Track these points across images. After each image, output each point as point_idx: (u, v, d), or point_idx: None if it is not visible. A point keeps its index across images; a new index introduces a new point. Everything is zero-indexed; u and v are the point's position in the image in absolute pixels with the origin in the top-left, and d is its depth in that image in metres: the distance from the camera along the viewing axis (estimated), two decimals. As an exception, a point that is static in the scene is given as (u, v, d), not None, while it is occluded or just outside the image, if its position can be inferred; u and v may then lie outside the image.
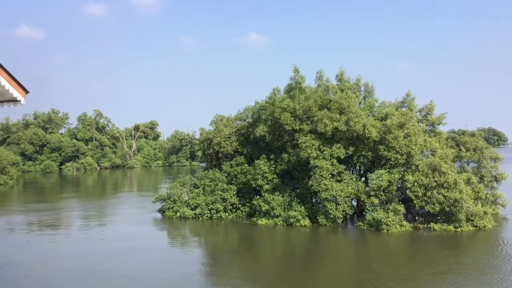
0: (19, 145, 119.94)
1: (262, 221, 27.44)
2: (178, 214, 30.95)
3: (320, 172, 26.33)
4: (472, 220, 24.52)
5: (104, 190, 61.35)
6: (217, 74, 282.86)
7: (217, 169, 33.62)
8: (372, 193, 25.91)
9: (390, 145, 26.60)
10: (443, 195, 24.40)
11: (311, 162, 26.72)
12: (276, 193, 28.03)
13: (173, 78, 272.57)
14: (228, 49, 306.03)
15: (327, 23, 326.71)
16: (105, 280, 16.79)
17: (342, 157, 27.25)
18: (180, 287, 15.96)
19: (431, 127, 32.66)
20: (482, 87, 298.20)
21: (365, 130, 26.96)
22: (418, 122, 31.52)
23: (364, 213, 28.16)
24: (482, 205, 25.57)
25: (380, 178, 25.75)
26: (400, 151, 26.39)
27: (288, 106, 29.26)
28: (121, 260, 19.91)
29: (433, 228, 24.64)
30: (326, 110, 28.13)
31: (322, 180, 26.15)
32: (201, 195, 31.42)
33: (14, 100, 9.46)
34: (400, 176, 26.25)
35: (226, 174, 32.03)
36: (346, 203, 26.32)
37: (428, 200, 24.75)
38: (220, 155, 35.26)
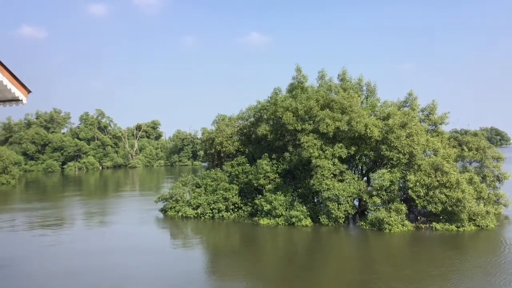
0: (21, 145, 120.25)
1: (264, 221, 27.42)
2: (180, 213, 30.96)
3: (322, 171, 26.29)
4: (474, 220, 24.46)
5: (106, 190, 61.42)
6: (219, 74, 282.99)
7: (219, 168, 33.60)
8: (374, 192, 25.86)
9: (392, 144, 26.55)
10: (445, 195, 24.34)
11: (313, 161, 26.69)
12: (278, 192, 28.00)
13: (175, 77, 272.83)
14: (230, 49, 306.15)
15: (329, 23, 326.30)
16: (106, 279, 16.80)
17: (344, 156, 27.20)
18: (181, 287, 15.96)
19: (434, 126, 32.57)
20: (485, 87, 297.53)
21: (367, 130, 26.90)
22: (420, 121, 31.45)
23: (366, 213, 28.11)
24: (484, 205, 25.50)
25: (382, 178, 25.70)
26: (402, 151, 26.34)
27: (290, 105, 29.23)
28: (122, 259, 19.92)
29: (435, 227, 24.58)
30: (328, 110, 28.09)
31: (323, 179, 26.11)
32: (203, 194, 31.41)
33: (16, 100, 9.45)
34: (402, 175, 26.20)
35: (228, 174, 32.02)
36: (348, 202, 26.27)
37: (430, 200, 24.68)
38: (222, 154, 35.25)
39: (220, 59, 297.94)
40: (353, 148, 27.66)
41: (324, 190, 25.93)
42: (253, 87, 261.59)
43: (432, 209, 24.57)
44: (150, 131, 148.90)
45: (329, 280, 16.43)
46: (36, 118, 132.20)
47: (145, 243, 23.51)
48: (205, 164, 42.70)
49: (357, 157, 29.13)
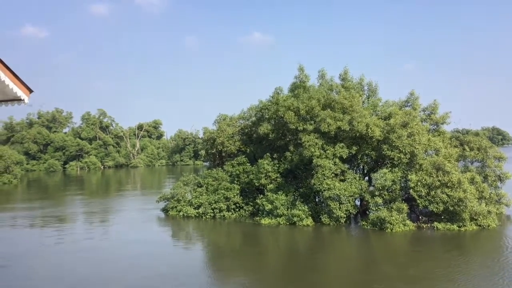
0: (23, 144, 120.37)
1: (265, 221, 27.43)
2: (181, 213, 31.00)
3: (323, 171, 26.29)
4: (476, 220, 24.44)
5: (108, 189, 61.50)
6: (220, 73, 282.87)
7: (220, 168, 33.64)
8: (376, 192, 25.86)
9: (393, 144, 26.54)
10: (447, 195, 24.32)
11: (314, 161, 26.69)
12: (280, 192, 28.01)
13: (176, 77, 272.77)
14: (232, 48, 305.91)
15: (330, 22, 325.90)
16: (107, 279, 16.83)
17: (345, 156, 27.20)
18: (183, 286, 15.98)
19: (435, 126, 32.54)
20: (486, 86, 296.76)
21: (369, 130, 26.89)
22: (421, 121, 31.43)
23: (367, 213, 28.11)
24: (486, 205, 25.47)
25: (384, 178, 25.69)
26: (403, 151, 26.33)
27: (292, 104, 29.24)
28: (123, 259, 19.95)
29: (437, 227, 24.57)
30: (329, 109, 28.09)
31: (324, 179, 26.12)
32: (204, 194, 31.44)
33: (18, 99, 9.47)
34: (404, 175, 26.19)
35: (229, 174, 32.05)
36: (349, 202, 26.27)
37: (432, 200, 24.67)
38: (223, 154, 35.29)
39: (222, 58, 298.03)
40: (355, 148, 27.66)
41: (325, 190, 25.93)
42: (255, 87, 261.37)
43: (434, 209, 24.56)
44: (152, 131, 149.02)
45: (333, 281, 16.39)
46: (38, 118, 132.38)
47: (146, 243, 23.53)
48: (207, 163, 42.75)
49: (358, 157, 29.12)
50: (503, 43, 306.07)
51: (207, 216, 30.13)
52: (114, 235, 26.02)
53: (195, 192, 32.10)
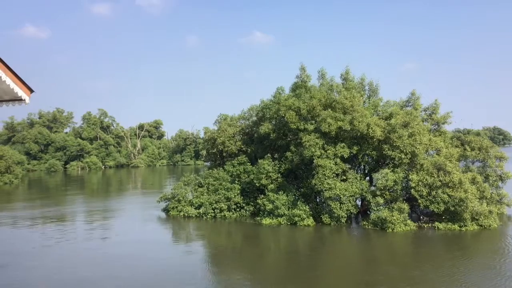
0: (24, 144, 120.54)
1: (266, 221, 27.40)
2: (182, 213, 31.01)
3: (323, 171, 26.28)
4: (477, 220, 24.41)
5: (109, 189, 61.52)
6: (221, 73, 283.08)
7: (221, 168, 33.64)
8: (377, 192, 25.84)
9: (394, 144, 26.51)
10: (448, 195, 24.29)
11: (314, 161, 26.68)
12: (280, 192, 27.99)
13: (177, 77, 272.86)
14: (233, 48, 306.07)
15: (331, 22, 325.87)
16: (108, 278, 16.83)
17: (346, 156, 27.18)
18: (183, 286, 15.97)
19: (436, 126, 32.51)
20: (487, 86, 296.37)
21: (369, 130, 26.86)
22: (423, 121, 31.39)
23: (368, 213, 28.09)
24: (487, 204, 25.43)
25: (386, 178, 25.67)
26: (404, 151, 26.30)
27: (293, 104, 29.23)
28: (124, 259, 19.94)
29: (438, 227, 24.55)
30: (330, 109, 28.07)
31: (325, 179, 26.10)
32: (205, 194, 31.44)
33: (19, 99, 9.46)
34: (405, 175, 26.17)
35: (229, 173, 32.04)
36: (350, 202, 26.24)
37: (433, 200, 24.65)
38: (224, 154, 35.30)
39: (223, 58, 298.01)
40: (355, 148, 27.63)
41: (326, 190, 25.91)
42: (256, 87, 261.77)
43: (435, 209, 24.53)
44: (153, 131, 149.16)
45: (334, 281, 16.33)
46: (39, 118, 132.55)
47: (147, 243, 23.53)
48: (208, 163, 42.77)
49: (359, 157, 29.10)
50: (504, 43, 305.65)
51: (208, 216, 30.12)
52: (115, 235, 26.00)
53: (196, 192, 32.10)
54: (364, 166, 31.38)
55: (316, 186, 26.43)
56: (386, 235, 23.54)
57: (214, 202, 30.45)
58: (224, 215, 30.08)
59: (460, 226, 24.20)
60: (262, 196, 29.61)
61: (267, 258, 20.37)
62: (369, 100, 33.08)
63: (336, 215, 25.98)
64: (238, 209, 30.66)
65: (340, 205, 26.10)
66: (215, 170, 33.42)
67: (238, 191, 30.69)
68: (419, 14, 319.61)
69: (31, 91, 9.47)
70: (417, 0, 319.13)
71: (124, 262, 19.39)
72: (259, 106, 34.15)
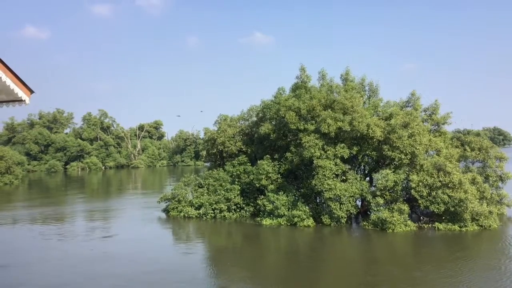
0: (24, 145, 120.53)
1: (266, 222, 27.39)
2: (182, 213, 31.02)
3: (323, 171, 26.27)
4: (477, 220, 24.41)
5: (109, 190, 61.54)
6: (222, 74, 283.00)
7: (221, 168, 33.65)
8: (378, 193, 25.84)
9: (394, 145, 26.51)
10: (448, 195, 24.29)
11: (314, 161, 26.68)
12: (280, 192, 27.98)
13: (177, 77, 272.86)
14: (233, 49, 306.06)
15: (331, 23, 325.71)
16: (109, 278, 16.84)
17: (346, 156, 27.18)
18: (184, 286, 15.97)
19: (436, 126, 32.51)
20: (487, 87, 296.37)
21: (369, 130, 26.87)
22: (423, 121, 31.39)
23: (368, 213, 28.09)
24: (487, 205, 25.43)
25: (386, 178, 25.67)
26: (404, 151, 26.30)
27: (293, 104, 29.24)
28: (124, 259, 19.94)
29: (438, 227, 24.55)
30: (330, 110, 28.08)
31: (325, 180, 26.10)
32: (205, 194, 31.44)
33: (19, 100, 9.47)
34: (405, 176, 26.17)
35: (230, 174, 32.06)
36: (350, 202, 26.24)
37: (433, 200, 24.64)
38: (224, 154, 35.32)
39: (223, 59, 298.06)
40: (355, 148, 27.64)
41: (326, 190, 25.91)
42: (256, 87, 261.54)
43: (435, 209, 24.53)
44: (153, 131, 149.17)
45: (336, 282, 16.30)
46: (39, 118, 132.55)
47: (146, 243, 23.54)
48: (208, 164, 42.78)
49: (359, 157, 29.11)
50: (504, 43, 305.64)
51: (208, 217, 30.12)
52: (115, 235, 26.01)
53: (196, 193, 32.11)
54: (364, 166, 31.39)
55: (316, 187, 26.43)
56: (386, 236, 23.54)
57: (214, 202, 30.45)
58: (224, 216, 30.08)
59: (460, 227, 24.21)
60: (262, 196, 29.60)
61: (267, 259, 20.37)
62: (369, 100, 33.08)
63: (336, 215, 25.97)
64: (238, 210, 30.66)
65: (340, 205, 26.09)
66: (215, 170, 33.42)
67: (238, 192, 30.70)
68: (419, 14, 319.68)
69: (31, 91, 9.48)
70: (417, 1, 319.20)
71: (124, 262, 19.39)
72: (260, 106, 34.18)
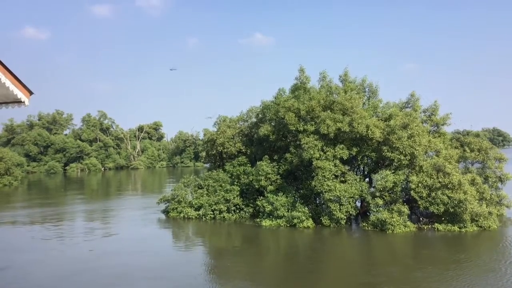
0: (23, 146, 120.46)
1: (266, 222, 27.38)
2: (182, 214, 31.02)
3: (323, 173, 26.28)
4: (476, 221, 24.42)
5: (108, 191, 61.51)
6: (222, 75, 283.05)
7: (221, 169, 33.65)
8: (377, 193, 25.85)
9: (394, 145, 26.53)
10: (448, 196, 24.30)
11: (314, 163, 26.68)
12: (280, 193, 27.98)
13: (177, 78, 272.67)
14: (233, 50, 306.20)
15: (331, 23, 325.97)
16: (108, 279, 16.82)
17: (345, 157, 27.18)
18: (183, 287, 15.98)
19: (436, 127, 32.52)
20: (487, 87, 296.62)
21: (369, 131, 26.88)
22: (422, 122, 31.41)
23: (368, 214, 28.09)
24: (486, 206, 25.44)
25: (386, 179, 25.68)
26: (404, 152, 26.31)
27: (292, 106, 29.26)
28: (124, 260, 19.93)
29: (437, 228, 24.56)
30: (329, 111, 28.09)
31: (325, 181, 26.10)
32: (205, 195, 31.43)
33: (18, 101, 9.48)
34: (405, 177, 26.18)
35: (229, 175, 32.06)
36: (349, 203, 26.24)
37: (433, 201, 24.64)
38: (224, 155, 35.33)
39: (223, 60, 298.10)
40: (355, 149, 27.64)
41: (325, 191, 25.90)
42: (255, 88, 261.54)
43: (434, 210, 24.53)
44: (152, 133, 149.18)
45: (336, 283, 16.26)
46: (39, 120, 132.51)
47: (146, 244, 23.51)
48: (207, 165, 42.76)
49: (358, 158, 29.11)
50: (504, 44, 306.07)
51: (208, 218, 30.11)
52: (115, 236, 25.99)
53: (196, 194, 32.11)
54: (363, 167, 31.39)
55: (315, 188, 26.43)
56: (386, 237, 23.54)
57: (213, 203, 30.45)
58: (224, 217, 30.07)
59: (460, 228, 24.22)
60: (262, 197, 29.60)
61: (266, 260, 20.36)
62: (368, 101, 33.09)
63: (335, 216, 25.97)
64: (237, 211, 30.66)
65: (339, 206, 26.09)
66: (215, 171, 33.43)
67: (238, 193, 30.70)
68: (419, 15, 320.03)
69: (31, 93, 9.48)
70: (417, 1, 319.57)
71: (123, 263, 19.36)
72: (260, 107, 34.21)
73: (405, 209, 24.74)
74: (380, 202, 25.41)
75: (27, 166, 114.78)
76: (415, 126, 27.35)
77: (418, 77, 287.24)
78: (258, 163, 30.02)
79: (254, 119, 35.34)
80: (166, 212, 32.61)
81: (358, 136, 27.26)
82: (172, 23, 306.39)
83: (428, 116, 32.61)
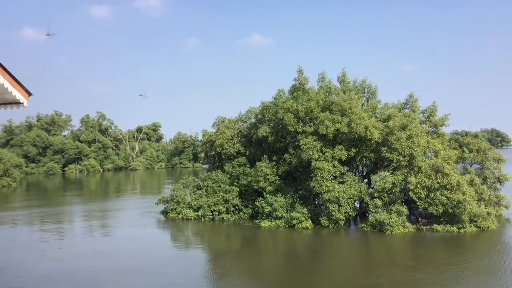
0: (22, 147, 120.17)
1: (265, 223, 27.36)
2: (180, 215, 30.99)
3: (322, 173, 26.28)
4: (475, 221, 24.45)
5: (107, 192, 61.44)
6: (221, 76, 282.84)
7: (220, 170, 33.63)
8: (376, 194, 25.86)
9: (392, 146, 26.55)
10: (446, 197, 24.32)
11: (312, 163, 26.69)
12: (279, 194, 27.97)
13: (176, 79, 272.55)
14: (232, 50, 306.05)
15: (330, 24, 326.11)
16: (108, 280, 16.81)
17: (344, 158, 27.20)
18: (182, 289, 15.97)
19: (434, 128, 32.56)
20: (485, 88, 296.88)
21: (367, 132, 26.90)
22: (421, 123, 31.44)
23: (366, 215, 28.11)
24: (485, 206, 25.47)
25: (384, 180, 25.70)
26: (402, 153, 26.33)
27: (291, 107, 29.26)
28: (123, 261, 19.92)
29: (436, 229, 24.57)
30: (328, 112, 28.11)
31: (323, 181, 26.11)
32: (204, 196, 31.40)
33: (17, 102, 9.48)
34: (403, 177, 26.20)
35: (228, 175, 32.04)
36: (348, 204, 26.25)
37: (431, 202, 24.67)
38: (223, 156, 35.32)
39: (222, 60, 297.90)
40: (353, 150, 27.65)
41: (324, 192, 25.91)
42: (255, 89, 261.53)
43: (433, 211, 24.56)
44: (151, 133, 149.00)
45: (336, 284, 16.26)
46: (37, 121, 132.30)
47: (146, 245, 23.50)
48: (206, 166, 42.73)
49: (357, 159, 29.14)
50: (504, 44, 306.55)
51: (206, 219, 30.09)
52: (114, 237, 25.98)
53: (195, 195, 32.08)
54: (362, 168, 31.41)
55: (314, 189, 26.44)
56: (384, 237, 23.55)
57: (212, 204, 30.42)
58: (223, 218, 30.04)
59: (459, 228, 24.24)
60: (261, 198, 29.59)
61: (265, 261, 20.35)
62: (367, 102, 33.11)
63: (334, 217, 25.97)
64: (236, 212, 30.63)
65: (338, 207, 26.10)
66: (214, 172, 33.40)
67: (237, 194, 30.68)
68: (418, 15, 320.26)
69: (29, 94, 9.48)
70: (417, 1, 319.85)
71: (122, 264, 19.35)
72: (259, 107, 34.20)
73: (404, 209, 24.75)
74: (379, 202, 25.42)
75: (26, 167, 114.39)
76: (414, 127, 27.38)
77: (418, 77, 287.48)
78: (257, 164, 30.01)
79: (253, 120, 35.35)
80: (165, 213, 32.57)
81: (356, 137, 27.28)
82: (170, 24, 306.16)
83: (426, 117, 32.65)
